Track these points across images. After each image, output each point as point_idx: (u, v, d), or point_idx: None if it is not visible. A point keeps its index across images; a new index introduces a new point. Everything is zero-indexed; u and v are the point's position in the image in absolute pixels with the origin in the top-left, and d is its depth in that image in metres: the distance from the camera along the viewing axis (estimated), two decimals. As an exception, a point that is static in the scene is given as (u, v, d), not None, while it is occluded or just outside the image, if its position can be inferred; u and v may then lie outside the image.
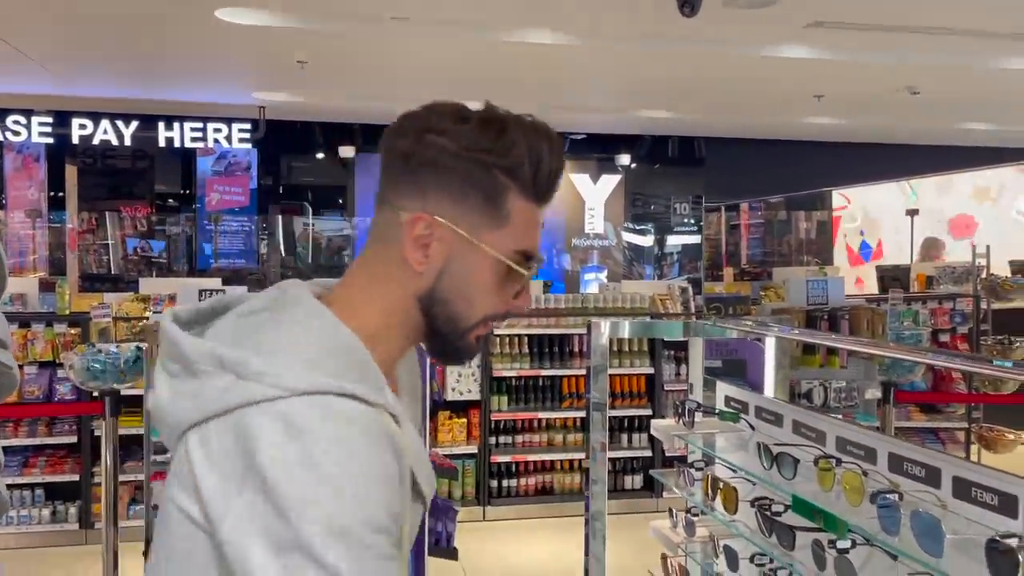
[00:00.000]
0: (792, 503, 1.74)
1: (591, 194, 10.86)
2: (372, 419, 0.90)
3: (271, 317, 0.98)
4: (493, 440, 6.07)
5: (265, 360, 0.89)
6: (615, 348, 6.05)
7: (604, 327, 2.43)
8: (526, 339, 6.05)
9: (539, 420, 6.12)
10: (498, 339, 6.00)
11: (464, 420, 6.03)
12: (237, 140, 8.84)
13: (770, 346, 2.54)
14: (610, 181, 10.86)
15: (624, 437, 6.06)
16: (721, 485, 2.09)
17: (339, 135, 9.76)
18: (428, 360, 2.46)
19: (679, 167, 10.66)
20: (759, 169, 9.82)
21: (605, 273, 10.54)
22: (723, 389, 2.51)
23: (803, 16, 5.14)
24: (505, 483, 6.09)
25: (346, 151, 9.80)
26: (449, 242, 0.99)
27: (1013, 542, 1.23)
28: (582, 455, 6.08)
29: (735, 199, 10.40)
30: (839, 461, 1.76)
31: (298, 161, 10.40)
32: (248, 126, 8.81)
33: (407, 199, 1.00)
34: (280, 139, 9.46)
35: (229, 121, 8.73)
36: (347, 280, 1.05)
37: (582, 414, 6.00)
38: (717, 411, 2.33)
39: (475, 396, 6.02)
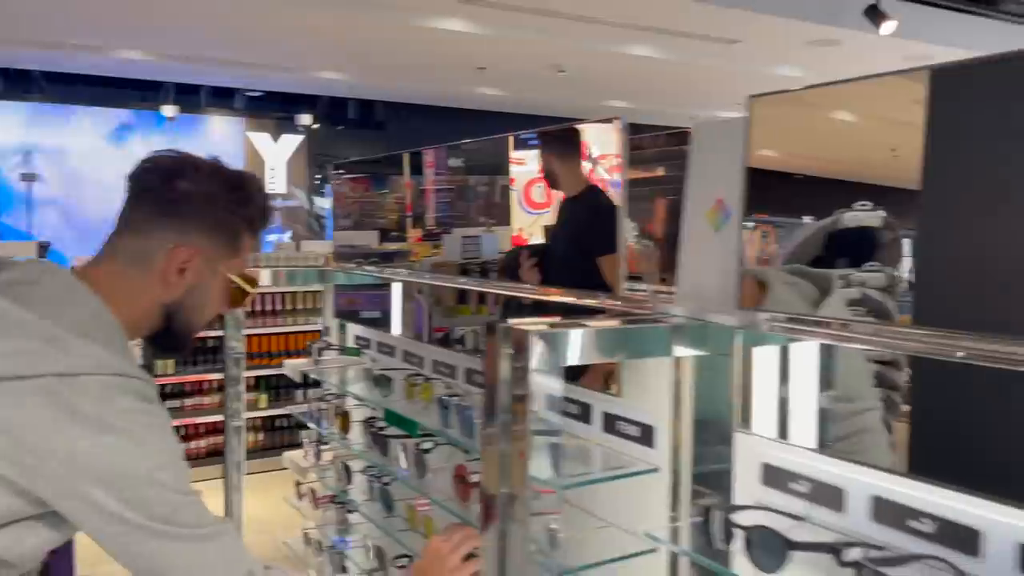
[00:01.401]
0: (385, 416, 2.02)
1: (272, 154, 10.66)
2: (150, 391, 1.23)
3: (33, 274, 1.24)
4: (168, 404, 5.88)
5: (77, 341, 1.16)
6: (291, 306, 6.15)
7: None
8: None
9: (209, 382, 6.02)
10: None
11: (126, 386, 5.76)
12: None
13: (396, 290, 2.83)
14: (292, 141, 10.74)
15: (300, 393, 6.18)
16: (337, 410, 2.34)
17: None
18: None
19: (360, 130, 10.81)
20: (437, 135, 10.22)
21: (289, 235, 10.44)
22: (353, 330, 2.76)
23: (455, -8, 5.54)
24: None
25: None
26: (199, 268, 1.33)
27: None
28: (256, 414, 6.10)
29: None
30: (428, 378, 2.08)
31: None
32: None
33: (170, 232, 1.31)
34: None
35: None
36: (107, 272, 1.30)
37: (257, 373, 6.01)
38: (342, 348, 2.58)
39: (138, 360, 5.77)
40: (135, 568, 1.19)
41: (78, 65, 8.50)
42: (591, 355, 1.21)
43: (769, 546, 1.11)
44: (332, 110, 10.64)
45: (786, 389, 1.42)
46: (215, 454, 5.87)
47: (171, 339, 1.37)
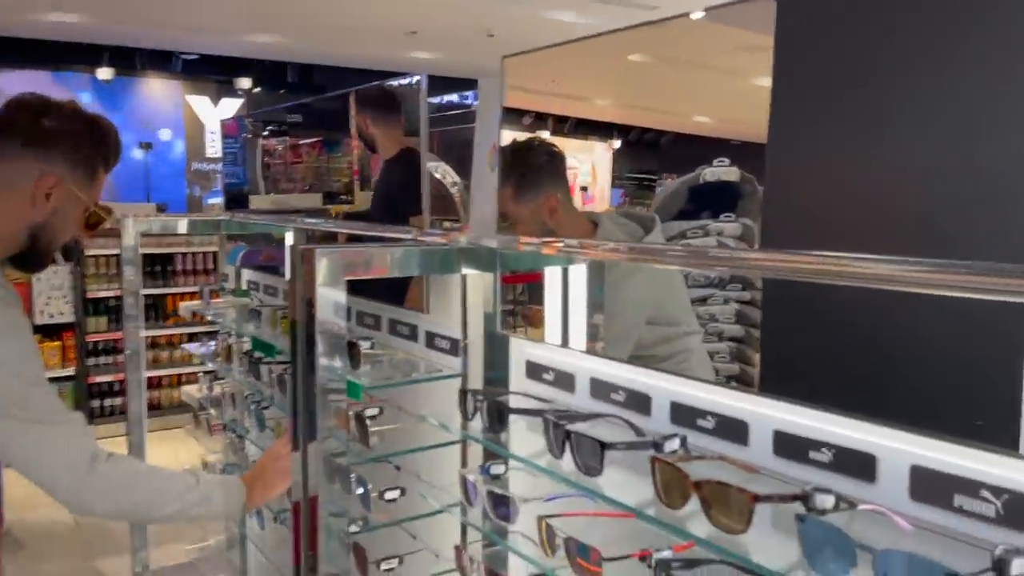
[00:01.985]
0: (252, 344, 2.29)
1: (211, 117, 10.70)
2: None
3: None
4: (92, 362, 6.07)
5: None
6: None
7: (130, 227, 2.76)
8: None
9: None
10: (92, 260, 5.94)
11: (59, 343, 5.93)
12: None
13: (288, 239, 3.08)
14: (232, 104, 10.78)
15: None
16: (223, 344, 2.60)
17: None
18: None
19: (300, 93, 10.87)
20: (375, 98, 10.42)
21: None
22: (247, 275, 3.01)
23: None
24: (107, 402, 6.14)
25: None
26: (62, 195, 1.58)
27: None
28: (185, 370, 6.32)
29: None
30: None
31: None
32: None
33: (38, 162, 1.55)
34: None
35: None
36: None
37: (186, 330, 6.21)
38: (232, 289, 2.83)
39: (69, 319, 5.93)
40: None
41: (10, 28, 8.48)
42: (366, 272, 1.49)
43: (495, 414, 1.41)
44: (272, 74, 10.71)
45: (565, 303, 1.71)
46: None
47: (33, 257, 1.63)
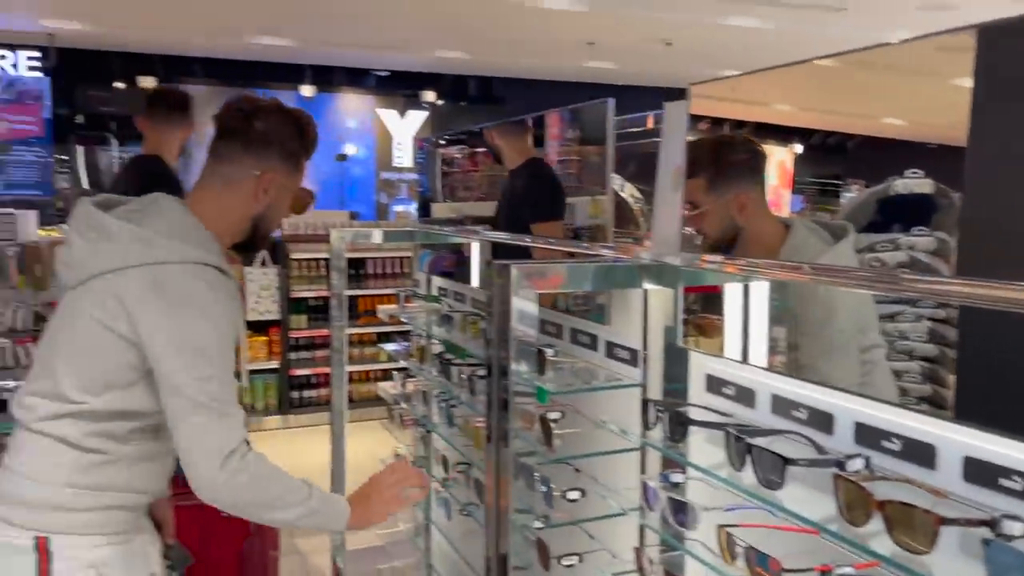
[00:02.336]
0: (444, 346, 2.47)
1: (399, 129, 11.35)
2: (224, 281, 1.68)
3: (154, 211, 1.70)
4: (293, 356, 6.64)
5: (167, 244, 1.62)
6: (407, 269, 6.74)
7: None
8: (323, 263, 6.58)
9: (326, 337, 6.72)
10: (296, 263, 6.50)
11: (265, 338, 6.53)
12: (26, 68, 8.61)
13: (474, 249, 3.28)
14: (418, 117, 11.39)
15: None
16: (416, 345, 2.82)
17: (139, 65, 9.66)
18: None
19: (481, 105, 11.33)
20: (551, 107, 10.65)
21: (415, 206, 11.12)
22: (437, 282, 3.23)
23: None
24: (305, 394, 6.69)
25: (146, 81, 9.72)
26: (276, 187, 1.78)
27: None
28: (374, 367, 6.77)
29: (532, 136, 11.22)
30: (480, 316, 2.51)
31: (96, 91, 10.15)
32: (38, 54, 8.59)
33: (255, 160, 1.75)
34: (76, 69, 9.25)
35: (15, 48, 8.49)
36: (202, 196, 1.76)
37: (376, 329, 6.66)
38: (424, 295, 3.05)
39: (275, 316, 6.53)
40: (163, 406, 1.62)
41: (227, 51, 9.43)
42: (554, 286, 1.60)
43: (676, 424, 1.47)
44: (454, 87, 11.22)
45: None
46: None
47: (254, 242, 1.85)
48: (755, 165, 1.52)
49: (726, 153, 1.58)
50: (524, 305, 1.54)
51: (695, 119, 1.65)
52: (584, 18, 7.23)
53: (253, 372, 6.49)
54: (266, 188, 1.76)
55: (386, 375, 6.83)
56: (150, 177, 3.13)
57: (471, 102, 11.35)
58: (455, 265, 3.38)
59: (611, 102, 1.88)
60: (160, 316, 1.58)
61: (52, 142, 9.32)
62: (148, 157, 3.42)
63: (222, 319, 1.64)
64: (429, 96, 11.21)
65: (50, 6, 7.51)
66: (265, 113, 1.77)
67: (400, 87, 11.12)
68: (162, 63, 9.79)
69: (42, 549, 1.59)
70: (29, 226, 4.21)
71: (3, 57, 8.48)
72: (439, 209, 3.61)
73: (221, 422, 1.58)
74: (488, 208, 3.06)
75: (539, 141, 2.80)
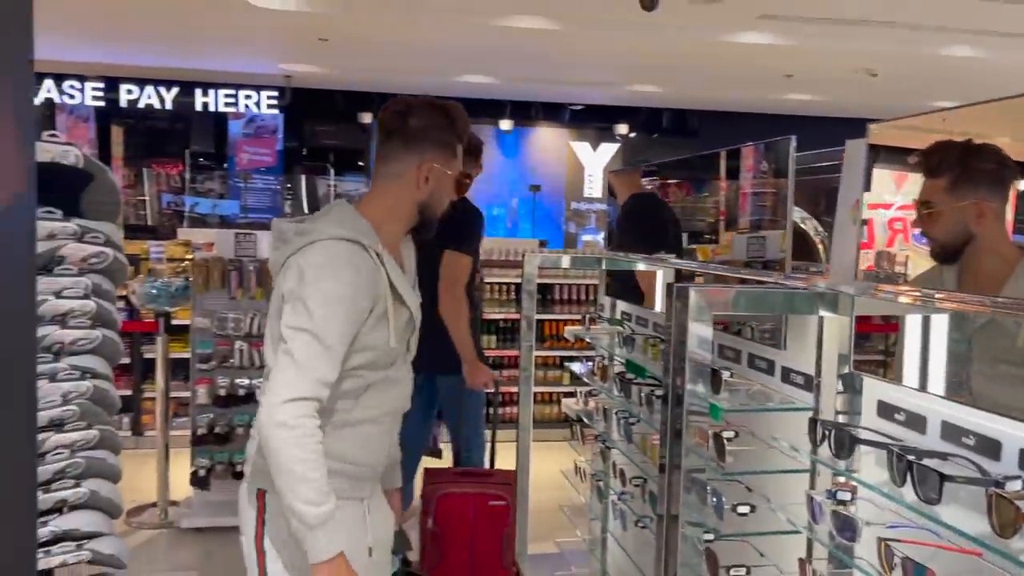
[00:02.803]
0: (626, 366, 2.64)
1: (591, 161, 11.66)
2: (363, 255, 1.84)
3: (323, 211, 1.98)
4: (484, 374, 7.02)
5: (318, 227, 1.86)
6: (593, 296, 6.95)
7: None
8: (513, 287, 6.95)
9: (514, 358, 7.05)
10: (489, 287, 6.90)
11: (459, 356, 6.97)
12: (265, 106, 9.79)
13: (659, 277, 3.42)
14: (609, 149, 11.64)
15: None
16: (599, 365, 3.00)
17: (360, 103, 10.63)
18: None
19: (674, 137, 11.40)
20: (747, 139, 10.51)
21: (603, 236, 11.36)
22: (620, 306, 3.41)
23: (752, 9, 5.92)
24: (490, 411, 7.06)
25: (366, 117, 10.67)
26: (437, 174, 1.97)
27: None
28: (560, 389, 7.01)
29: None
30: (661, 339, 2.66)
31: (322, 126, 11.27)
32: (276, 93, 9.76)
33: (415, 153, 1.94)
34: (305, 105, 10.37)
35: (259, 88, 9.68)
36: (371, 195, 2.00)
37: (560, 353, 6.92)
38: (608, 319, 3.23)
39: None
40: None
41: (434, 88, 10.17)
42: (732, 310, 1.73)
43: (843, 443, 1.56)
44: (648, 120, 11.38)
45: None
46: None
47: (425, 226, 2.04)
48: (1003, 176, 1.44)
49: (975, 156, 1.50)
50: (700, 329, 1.67)
51: (904, 152, 1.66)
52: (784, 51, 7.18)
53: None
54: (426, 177, 1.95)
55: (569, 396, 7.04)
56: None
57: (664, 134, 11.45)
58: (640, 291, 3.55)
59: (793, 139, 1.99)
60: (292, 273, 1.84)
61: (282, 171, 10.46)
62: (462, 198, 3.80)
63: (348, 286, 1.81)
64: (622, 129, 11.44)
65: (291, 53, 8.51)
66: (417, 109, 1.95)
67: (593, 120, 11.43)
68: (379, 100, 10.71)
69: (260, 499, 1.93)
70: (266, 245, 4.85)
71: (248, 97, 9.69)
72: (626, 238, 3.79)
73: (297, 372, 1.74)
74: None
75: (733, 174, 2.84)
